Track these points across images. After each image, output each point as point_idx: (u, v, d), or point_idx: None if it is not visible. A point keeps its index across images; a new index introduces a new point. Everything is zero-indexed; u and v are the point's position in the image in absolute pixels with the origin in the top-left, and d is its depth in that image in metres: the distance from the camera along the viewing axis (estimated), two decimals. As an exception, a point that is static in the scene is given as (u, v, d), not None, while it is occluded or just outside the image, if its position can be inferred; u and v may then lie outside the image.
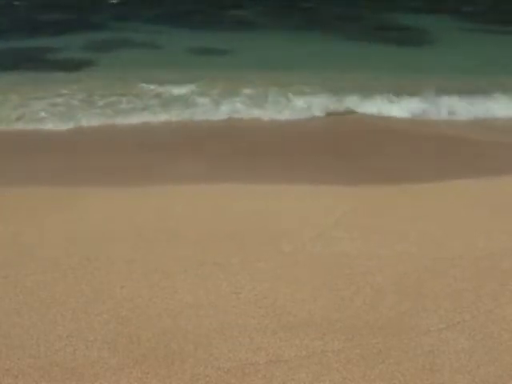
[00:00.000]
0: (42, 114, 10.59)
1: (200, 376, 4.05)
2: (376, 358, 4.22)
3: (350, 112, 11.11)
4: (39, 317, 4.64)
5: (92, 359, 4.20)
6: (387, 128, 10.40)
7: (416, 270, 5.33)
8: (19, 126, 10.27)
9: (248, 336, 4.44)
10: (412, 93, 11.57)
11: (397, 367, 4.13)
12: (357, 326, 4.56)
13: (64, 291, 4.97)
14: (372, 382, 4.01)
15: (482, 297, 4.93)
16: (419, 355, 4.25)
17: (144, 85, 12.34)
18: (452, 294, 4.97)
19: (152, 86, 12.28)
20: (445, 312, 4.72)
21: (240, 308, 4.77)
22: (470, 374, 4.08)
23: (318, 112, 11.00)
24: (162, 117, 10.71)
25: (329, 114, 10.98)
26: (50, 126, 10.18)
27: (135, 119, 10.57)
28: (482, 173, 8.02)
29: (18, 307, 4.76)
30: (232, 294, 4.95)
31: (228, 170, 8.10)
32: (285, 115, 10.85)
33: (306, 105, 11.17)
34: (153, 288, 5.03)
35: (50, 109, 10.83)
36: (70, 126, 10.22)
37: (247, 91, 11.77)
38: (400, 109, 11.11)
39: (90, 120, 10.41)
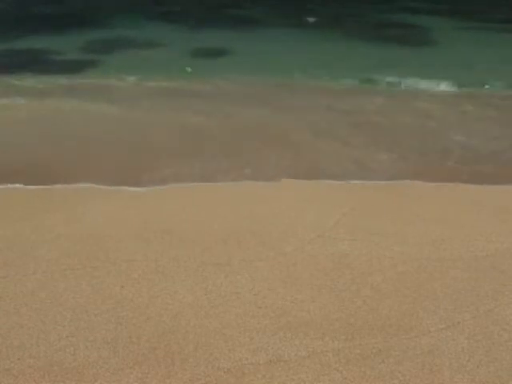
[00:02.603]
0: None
1: (200, 376, 4.06)
2: (376, 357, 4.23)
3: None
4: (39, 317, 4.65)
5: (92, 359, 4.20)
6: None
7: (416, 270, 5.33)
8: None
9: (248, 336, 4.45)
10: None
11: (397, 367, 4.14)
12: (357, 326, 4.56)
13: (64, 291, 4.98)
14: (372, 381, 4.02)
15: (482, 297, 4.93)
16: (419, 355, 4.25)
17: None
18: (452, 294, 4.97)
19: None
20: (445, 312, 4.73)
21: (240, 308, 4.77)
22: (470, 373, 4.09)
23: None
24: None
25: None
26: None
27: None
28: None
29: (18, 307, 4.77)
30: (232, 294, 4.95)
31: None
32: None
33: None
34: (153, 288, 5.04)
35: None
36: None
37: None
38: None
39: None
